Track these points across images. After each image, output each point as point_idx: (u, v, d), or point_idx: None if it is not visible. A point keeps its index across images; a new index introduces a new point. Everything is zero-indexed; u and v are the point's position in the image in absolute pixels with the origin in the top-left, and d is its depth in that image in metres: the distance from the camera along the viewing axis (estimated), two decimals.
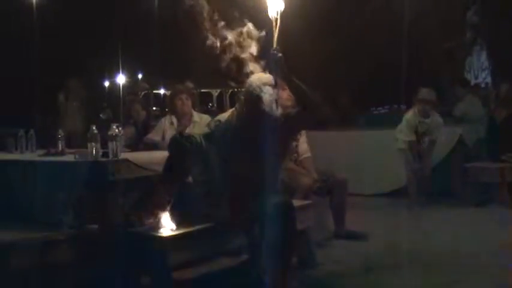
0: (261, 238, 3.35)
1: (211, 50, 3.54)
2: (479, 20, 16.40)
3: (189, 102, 5.33)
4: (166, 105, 13.77)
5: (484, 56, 17.66)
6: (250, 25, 3.52)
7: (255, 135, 3.36)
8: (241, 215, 3.42)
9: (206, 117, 5.18)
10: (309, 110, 3.36)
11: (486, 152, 7.30)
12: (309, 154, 5.13)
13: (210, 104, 21.38)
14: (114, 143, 3.67)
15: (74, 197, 3.55)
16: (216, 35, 3.53)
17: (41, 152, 4.55)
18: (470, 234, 5.27)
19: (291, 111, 3.52)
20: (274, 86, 3.41)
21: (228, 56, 3.55)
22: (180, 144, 3.41)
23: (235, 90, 4.22)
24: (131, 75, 17.48)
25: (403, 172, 6.90)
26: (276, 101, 3.43)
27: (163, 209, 3.37)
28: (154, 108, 16.44)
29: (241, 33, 3.52)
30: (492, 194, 6.86)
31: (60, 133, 4.55)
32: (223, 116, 3.64)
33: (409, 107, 7.06)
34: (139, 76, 18.60)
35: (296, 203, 3.82)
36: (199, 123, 5.09)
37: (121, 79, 15.27)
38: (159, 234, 3.30)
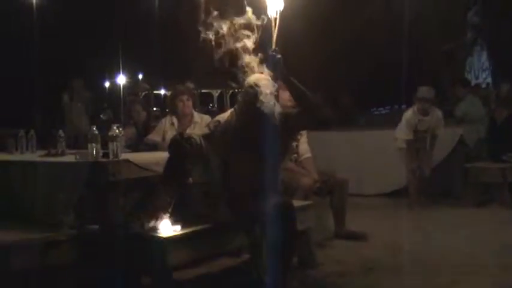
0: (262, 238, 3.35)
1: (206, 43, 3.45)
2: (479, 21, 16.40)
3: (189, 103, 5.32)
4: (166, 106, 13.78)
5: (484, 56, 17.68)
6: (249, 12, 3.41)
7: (254, 136, 3.36)
8: (241, 216, 3.42)
9: (207, 118, 5.18)
10: (307, 110, 3.35)
11: (487, 152, 7.30)
12: (309, 154, 5.13)
13: (211, 105, 21.37)
14: (115, 143, 3.67)
15: (74, 198, 3.55)
16: (209, 27, 3.42)
17: (41, 152, 4.55)
18: (470, 234, 5.27)
19: (290, 111, 3.51)
20: (274, 86, 3.40)
21: (221, 50, 3.44)
22: (180, 146, 3.41)
23: (236, 90, 4.15)
24: (132, 76, 17.50)
25: (403, 172, 6.90)
26: (275, 101, 3.43)
27: (164, 210, 3.37)
28: (154, 108, 16.42)
29: (236, 23, 3.41)
30: (493, 194, 6.86)
31: (61, 134, 4.55)
32: (223, 117, 3.64)
33: (409, 107, 7.06)
34: (140, 77, 18.60)
35: (296, 203, 3.82)
36: (200, 123, 5.09)
37: (121, 79, 15.29)
38: (160, 235, 3.30)
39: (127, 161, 3.64)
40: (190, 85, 8.26)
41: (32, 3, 12.07)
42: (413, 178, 6.77)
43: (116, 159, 3.61)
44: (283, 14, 3.31)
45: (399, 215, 6.25)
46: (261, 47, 3.43)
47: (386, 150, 7.31)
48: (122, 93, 14.35)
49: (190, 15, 3.56)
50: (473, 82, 14.76)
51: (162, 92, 20.32)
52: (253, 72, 3.45)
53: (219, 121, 3.59)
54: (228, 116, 3.58)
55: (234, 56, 3.45)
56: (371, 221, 5.86)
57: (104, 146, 3.77)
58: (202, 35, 3.44)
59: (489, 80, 16.88)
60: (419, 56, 13.86)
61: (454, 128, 7.38)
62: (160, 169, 3.55)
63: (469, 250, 4.71)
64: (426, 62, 14.36)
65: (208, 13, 3.42)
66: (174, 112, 5.37)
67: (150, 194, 3.54)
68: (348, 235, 5.12)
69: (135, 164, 3.63)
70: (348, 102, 10.51)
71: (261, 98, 3.32)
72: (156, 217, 3.37)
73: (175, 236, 3.31)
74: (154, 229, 3.35)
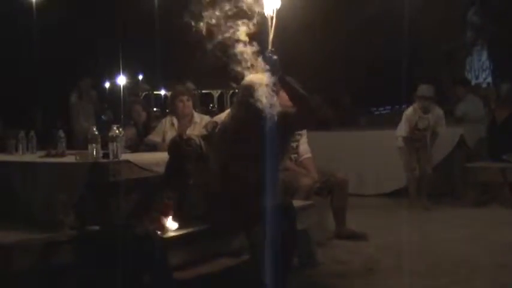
0: (262, 238, 3.35)
1: (198, 35, 3.29)
2: (479, 20, 16.40)
3: (189, 103, 5.33)
4: (167, 106, 13.79)
5: (484, 56, 17.67)
6: None
7: (251, 136, 3.35)
8: (241, 216, 3.42)
9: (207, 118, 5.18)
10: (304, 111, 3.35)
11: (487, 152, 7.30)
12: (309, 154, 5.14)
13: (211, 105, 21.37)
14: (115, 144, 3.68)
15: (74, 198, 3.55)
16: (199, 17, 3.27)
17: (41, 153, 4.56)
18: (470, 234, 5.27)
19: (288, 110, 3.49)
20: (271, 85, 3.35)
21: (214, 40, 3.28)
22: (179, 147, 3.41)
23: (236, 91, 4.06)
24: (132, 76, 17.50)
25: (404, 172, 6.91)
26: (274, 101, 3.40)
27: (164, 210, 3.37)
28: (155, 109, 16.43)
29: (228, 10, 3.26)
30: (493, 194, 6.86)
31: (61, 134, 4.56)
32: (220, 117, 3.63)
33: (409, 106, 7.06)
34: (140, 77, 18.61)
35: (297, 203, 3.83)
36: (200, 124, 5.09)
37: (121, 80, 15.28)
38: (160, 235, 3.30)
39: (127, 161, 3.65)
40: (191, 85, 8.27)
41: (32, 3, 12.06)
42: (412, 177, 6.77)
43: (116, 159, 3.62)
44: (281, 13, 3.23)
45: (399, 215, 6.25)
46: (258, 36, 3.30)
47: (386, 150, 7.31)
48: (122, 93, 14.35)
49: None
50: (473, 82, 14.78)
51: (163, 92, 20.33)
52: (246, 62, 3.32)
53: (216, 122, 3.59)
54: (225, 117, 3.58)
55: (226, 46, 3.30)
56: (371, 221, 5.86)
57: (104, 146, 3.78)
58: (194, 25, 3.30)
59: (489, 79, 16.88)
60: (419, 56, 13.86)
61: (454, 127, 7.38)
62: (160, 169, 3.56)
63: (469, 250, 4.72)
64: (426, 61, 14.36)
65: (198, 2, 3.29)
66: (174, 112, 5.38)
67: (150, 195, 3.54)
68: (348, 235, 5.12)
69: (135, 165, 3.64)
70: (347, 102, 10.52)
71: (257, 98, 3.29)
72: (156, 217, 3.37)
73: (175, 236, 3.32)
74: (155, 229, 3.36)
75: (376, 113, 15.19)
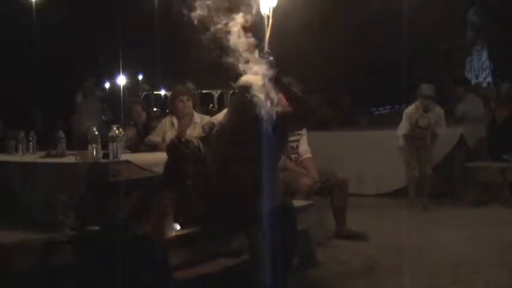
0: (262, 238, 3.35)
1: (189, 23, 3.18)
2: (479, 20, 16.40)
3: (189, 103, 5.33)
4: (167, 106, 13.79)
5: (484, 56, 17.69)
6: None
7: (248, 136, 3.35)
8: (241, 216, 3.42)
9: (207, 118, 5.18)
10: (300, 111, 3.35)
11: (487, 152, 7.30)
12: (309, 154, 5.14)
13: (211, 105, 21.39)
14: (115, 144, 3.68)
15: (74, 199, 3.55)
16: (192, 7, 3.16)
17: (41, 153, 4.56)
18: (470, 233, 5.27)
19: (286, 110, 3.48)
20: (267, 85, 3.32)
21: (208, 32, 3.16)
22: (177, 150, 3.41)
23: (236, 91, 4.02)
24: (132, 77, 17.51)
25: (403, 172, 6.91)
26: (270, 102, 3.37)
27: (164, 210, 3.37)
28: (155, 109, 16.45)
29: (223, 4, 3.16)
30: (493, 194, 6.86)
31: (61, 134, 4.56)
32: (217, 118, 3.63)
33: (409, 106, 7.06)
34: (140, 77, 18.62)
35: (297, 203, 3.83)
36: (200, 123, 5.08)
37: (121, 80, 15.29)
38: (160, 235, 3.30)
39: (127, 161, 3.64)
40: (191, 85, 8.25)
41: (32, 3, 12.07)
42: (412, 177, 6.76)
43: (116, 159, 3.62)
44: (280, 13, 3.18)
45: (399, 215, 6.25)
46: (254, 30, 3.20)
47: (386, 150, 7.31)
48: (122, 94, 14.36)
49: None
50: (473, 81, 14.78)
51: (163, 92, 20.35)
52: (240, 54, 3.23)
53: (213, 123, 3.58)
54: (223, 118, 3.58)
55: (218, 38, 3.21)
56: (371, 221, 5.85)
57: (104, 146, 3.78)
58: (186, 14, 3.20)
59: (489, 79, 16.90)
60: (419, 56, 13.86)
61: (454, 127, 7.38)
62: (160, 169, 3.55)
63: (469, 250, 4.71)
64: (426, 61, 14.37)
65: None
66: (174, 112, 5.38)
67: (150, 195, 3.54)
68: (348, 235, 5.12)
69: (135, 165, 3.64)
70: (347, 102, 10.52)
71: (254, 98, 3.27)
72: (156, 218, 3.37)
73: (175, 236, 3.31)
74: (155, 229, 3.35)
75: (376, 113, 15.20)
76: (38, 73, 12.78)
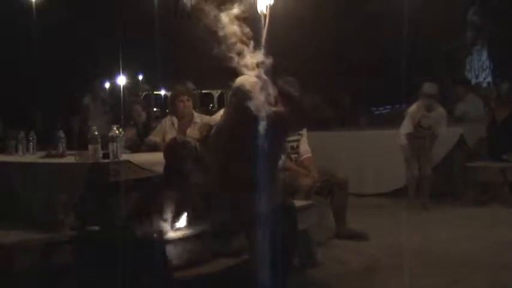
0: (262, 238, 3.35)
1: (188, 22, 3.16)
2: (479, 20, 16.40)
3: (190, 103, 5.34)
4: (167, 106, 13.79)
5: (484, 56, 17.69)
6: None
7: (246, 137, 3.34)
8: (240, 216, 3.42)
9: (207, 118, 5.18)
10: (296, 112, 3.35)
11: (487, 152, 7.30)
12: (309, 154, 5.14)
13: (211, 105, 21.38)
14: (115, 144, 3.68)
15: (74, 199, 3.55)
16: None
17: (41, 153, 4.56)
18: (470, 233, 5.27)
19: (284, 110, 3.47)
20: (263, 85, 3.30)
21: (202, 23, 3.07)
22: (174, 151, 3.41)
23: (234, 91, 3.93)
24: (132, 77, 17.51)
25: (403, 172, 6.90)
26: (268, 102, 3.36)
27: (164, 211, 3.37)
28: (155, 109, 16.45)
29: None
30: (493, 194, 6.86)
31: (61, 134, 4.56)
32: (214, 119, 3.63)
33: (409, 106, 7.05)
34: (140, 77, 18.61)
35: (297, 203, 3.83)
36: (200, 123, 5.10)
37: (121, 80, 15.29)
38: (160, 235, 3.30)
39: (127, 161, 3.64)
40: (191, 85, 8.25)
41: (32, 3, 12.06)
42: (412, 177, 6.76)
43: (116, 159, 3.62)
44: (280, 12, 3.16)
45: (399, 214, 6.23)
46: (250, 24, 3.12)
47: (386, 150, 7.31)
48: (122, 94, 14.36)
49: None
50: (473, 81, 14.78)
51: (163, 92, 20.34)
52: (234, 46, 3.14)
53: (210, 125, 3.57)
54: (220, 118, 3.57)
55: (212, 30, 3.11)
56: (371, 221, 5.85)
57: (104, 146, 3.78)
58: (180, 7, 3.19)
59: (489, 79, 16.90)
60: (419, 56, 13.85)
61: (454, 127, 7.38)
62: (160, 170, 3.56)
63: (469, 250, 4.71)
64: (426, 61, 14.36)
65: None
66: (174, 112, 5.38)
67: (150, 195, 3.54)
68: (348, 235, 5.12)
69: (135, 165, 3.64)
70: (347, 102, 10.51)
71: (250, 98, 3.25)
72: (156, 218, 3.37)
73: (175, 236, 3.31)
74: (155, 229, 3.36)
75: (376, 112, 15.17)
76: (38, 73, 12.77)
